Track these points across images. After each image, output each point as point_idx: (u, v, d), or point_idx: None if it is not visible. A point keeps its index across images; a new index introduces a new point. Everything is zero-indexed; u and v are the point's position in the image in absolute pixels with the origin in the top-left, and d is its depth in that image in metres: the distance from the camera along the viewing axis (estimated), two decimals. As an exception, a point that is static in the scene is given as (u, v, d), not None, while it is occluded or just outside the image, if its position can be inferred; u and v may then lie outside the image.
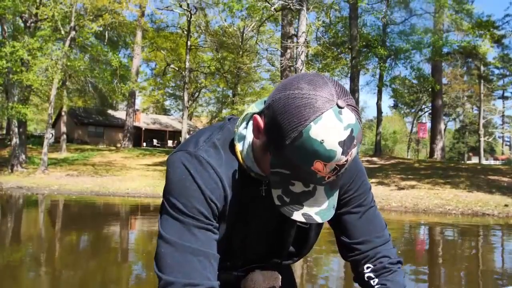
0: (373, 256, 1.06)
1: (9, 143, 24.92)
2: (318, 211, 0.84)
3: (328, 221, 1.05)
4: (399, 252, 7.57)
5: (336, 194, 0.87)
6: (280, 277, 1.11)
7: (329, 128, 0.76)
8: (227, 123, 1.02)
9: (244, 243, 1.04)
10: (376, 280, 1.04)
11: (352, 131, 0.78)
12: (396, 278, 1.05)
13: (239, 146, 0.96)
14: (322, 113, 0.77)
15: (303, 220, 0.83)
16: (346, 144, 0.78)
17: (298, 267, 6.03)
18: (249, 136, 0.95)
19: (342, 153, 0.78)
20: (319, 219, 0.84)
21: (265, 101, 0.91)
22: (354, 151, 0.81)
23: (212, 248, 0.91)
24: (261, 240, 1.06)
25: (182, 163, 0.93)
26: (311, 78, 0.82)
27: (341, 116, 0.78)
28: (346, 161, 0.79)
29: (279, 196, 0.84)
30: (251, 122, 0.96)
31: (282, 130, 0.79)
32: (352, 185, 1.05)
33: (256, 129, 0.89)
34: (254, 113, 0.95)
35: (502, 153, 56.94)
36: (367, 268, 1.05)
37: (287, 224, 1.04)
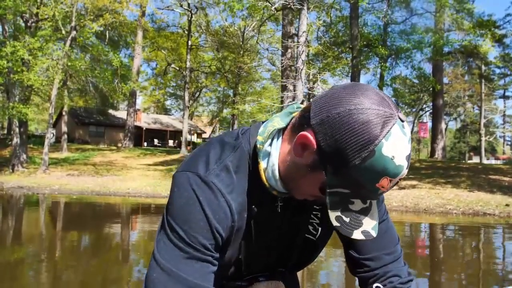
0: (383, 275, 1.01)
1: (10, 143, 24.94)
2: (373, 225, 0.81)
3: (339, 236, 1.04)
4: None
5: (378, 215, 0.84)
6: (284, 287, 1.08)
7: (398, 144, 0.74)
8: (240, 140, 0.94)
9: (252, 259, 1.00)
10: None
11: (410, 149, 0.78)
12: None
13: (263, 164, 0.90)
14: (390, 128, 0.74)
15: (363, 238, 0.80)
16: (409, 157, 0.77)
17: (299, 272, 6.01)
18: (274, 153, 0.89)
19: (407, 167, 0.77)
20: (374, 234, 0.81)
21: (298, 115, 0.86)
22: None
23: (208, 281, 0.86)
24: (269, 253, 1.03)
25: (191, 187, 0.86)
26: (364, 90, 0.78)
27: (404, 130, 0.76)
28: (404, 173, 0.78)
29: (337, 217, 0.79)
30: (276, 139, 0.91)
31: (348, 149, 0.74)
32: None
33: (302, 147, 0.82)
34: (282, 128, 0.91)
35: (503, 153, 56.91)
36: (376, 287, 1.01)
37: (298, 238, 1.02)
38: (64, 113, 29.46)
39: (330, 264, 6.55)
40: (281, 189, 0.90)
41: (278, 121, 0.92)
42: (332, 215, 0.79)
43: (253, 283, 1.05)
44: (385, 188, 0.77)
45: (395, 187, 15.63)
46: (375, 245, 1.02)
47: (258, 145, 0.90)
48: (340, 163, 0.76)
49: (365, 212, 0.80)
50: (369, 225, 0.80)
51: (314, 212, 1.01)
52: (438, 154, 27.20)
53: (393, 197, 13.89)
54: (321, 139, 0.78)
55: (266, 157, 0.90)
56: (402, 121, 0.76)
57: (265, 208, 0.94)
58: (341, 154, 0.75)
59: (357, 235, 0.79)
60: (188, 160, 0.93)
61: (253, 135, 0.93)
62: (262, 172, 0.90)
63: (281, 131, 0.91)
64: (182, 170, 0.90)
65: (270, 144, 0.91)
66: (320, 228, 1.02)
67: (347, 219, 0.79)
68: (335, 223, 0.79)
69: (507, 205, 12.49)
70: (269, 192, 0.92)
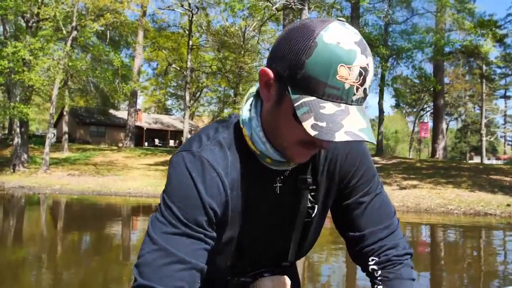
0: (378, 249, 1.00)
1: (11, 142, 24.96)
2: (361, 128, 0.76)
3: (334, 218, 1.06)
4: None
5: (369, 124, 0.79)
6: (290, 282, 1.07)
7: (340, 32, 0.76)
8: (233, 119, 0.96)
9: (253, 243, 0.99)
10: (379, 272, 0.99)
11: (361, 38, 0.78)
12: (399, 271, 0.98)
13: (246, 130, 0.91)
14: (328, 24, 0.77)
15: (348, 138, 0.74)
16: (362, 45, 0.77)
17: (299, 268, 6.01)
18: (255, 116, 0.90)
19: (362, 53, 0.76)
20: (364, 136, 0.75)
21: None
22: (371, 61, 0.78)
23: (199, 259, 0.86)
24: (269, 238, 1.01)
25: (184, 165, 0.88)
26: None
27: (346, 25, 0.78)
28: (368, 64, 0.77)
29: (313, 125, 0.75)
30: (254, 103, 0.92)
31: (294, 50, 0.77)
32: (356, 172, 1.00)
33: (266, 86, 0.84)
34: (253, 92, 0.94)
35: (504, 153, 56.86)
36: (372, 260, 1.00)
37: (297, 220, 1.00)
38: (65, 113, 29.47)
39: (330, 263, 6.55)
40: (272, 153, 0.89)
41: (252, 89, 0.95)
42: (307, 125, 0.76)
43: (257, 279, 1.04)
44: (349, 80, 0.75)
45: (395, 187, 15.62)
46: (371, 221, 1.00)
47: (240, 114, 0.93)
48: (292, 68, 0.77)
49: (342, 114, 0.76)
50: (353, 126, 0.75)
51: (311, 193, 1.00)
52: (439, 154, 27.18)
53: (394, 197, 13.88)
54: (274, 64, 0.82)
55: (248, 123, 0.91)
56: (342, 21, 0.80)
57: (264, 189, 0.94)
58: (290, 59, 0.78)
59: (340, 136, 0.74)
60: (185, 143, 0.95)
61: None
62: (247, 139, 0.91)
63: (259, 96, 0.92)
64: (178, 152, 0.92)
65: (250, 110, 0.92)
66: (316, 208, 1.02)
67: (323, 124, 0.75)
68: (312, 133, 0.75)
69: (508, 205, 12.47)
70: (266, 172, 0.92)
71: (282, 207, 0.97)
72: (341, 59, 0.74)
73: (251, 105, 0.93)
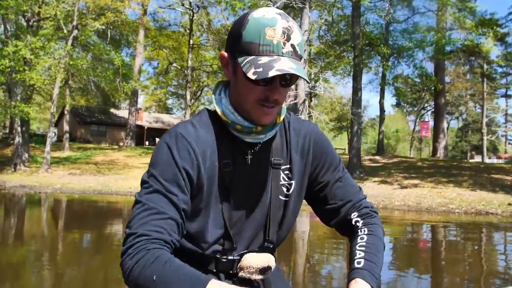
0: (359, 207, 1.21)
1: (12, 142, 24.98)
2: (290, 67, 0.98)
3: (311, 196, 1.24)
4: (402, 251, 7.55)
5: (301, 69, 1.01)
6: (274, 259, 1.17)
7: (266, 9, 1.04)
8: (202, 109, 1.18)
9: (236, 218, 1.13)
10: (362, 222, 1.20)
11: (284, 13, 1.04)
12: (375, 220, 1.22)
13: (218, 109, 1.12)
14: (258, 9, 1.05)
15: (278, 73, 0.96)
16: (283, 15, 1.03)
17: (300, 268, 6.02)
18: (224, 96, 1.13)
19: (283, 18, 1.02)
20: (293, 70, 0.97)
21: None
22: (294, 24, 1.03)
23: (175, 213, 1.01)
24: (251, 214, 1.15)
25: (164, 141, 1.08)
26: None
27: (275, 9, 1.05)
28: (290, 26, 1.02)
29: (253, 72, 0.99)
30: (225, 88, 1.16)
31: (235, 29, 1.05)
32: (327, 154, 1.22)
33: (225, 64, 1.11)
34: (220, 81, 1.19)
35: (505, 152, 56.78)
36: (354, 215, 1.20)
37: (273, 196, 1.15)
38: (66, 112, 29.47)
39: (330, 264, 6.55)
40: (240, 120, 1.09)
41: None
42: (250, 74, 0.99)
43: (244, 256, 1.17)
44: (275, 38, 1.00)
45: (396, 186, 15.61)
46: (347, 192, 1.22)
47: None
48: (235, 42, 1.05)
49: (274, 61, 0.99)
50: (284, 67, 0.98)
51: (285, 172, 1.17)
52: (440, 153, 27.16)
53: (396, 196, 13.88)
54: (226, 47, 1.11)
55: (220, 102, 1.13)
56: None
57: (236, 160, 1.12)
58: (233, 37, 1.06)
59: (272, 73, 0.97)
60: None
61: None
62: (220, 114, 1.11)
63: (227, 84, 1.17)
64: None
65: (220, 94, 1.15)
66: (292, 186, 1.19)
67: (260, 69, 0.98)
68: (253, 77, 0.98)
69: (509, 204, 12.47)
70: (238, 145, 1.11)
71: (257, 183, 1.14)
72: (266, 24, 1.01)
73: (220, 90, 1.16)
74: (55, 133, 29.96)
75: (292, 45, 1.02)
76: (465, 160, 37.64)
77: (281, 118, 1.15)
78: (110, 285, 5.25)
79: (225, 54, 1.10)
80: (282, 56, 1.01)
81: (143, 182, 1.05)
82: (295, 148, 1.18)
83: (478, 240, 8.87)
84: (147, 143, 39.13)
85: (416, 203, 13.21)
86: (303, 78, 1.00)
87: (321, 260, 6.72)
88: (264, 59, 0.99)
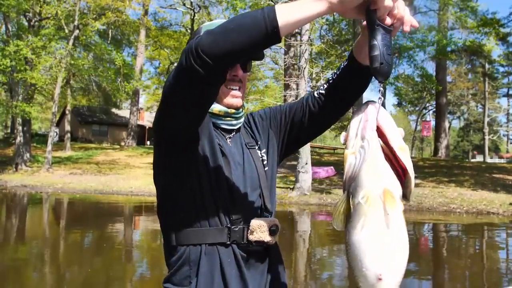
0: (322, 85, 1.40)
1: (13, 141, 25.01)
2: None
3: (305, 136, 1.44)
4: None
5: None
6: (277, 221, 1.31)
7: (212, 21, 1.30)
8: None
9: (237, 187, 1.27)
10: (325, 85, 1.37)
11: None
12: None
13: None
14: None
15: None
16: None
17: (301, 267, 6.02)
18: None
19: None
20: None
21: None
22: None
23: None
24: (248, 184, 1.30)
25: None
26: None
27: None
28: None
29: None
30: None
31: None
32: (272, 120, 1.44)
33: None
34: None
35: (507, 151, 56.69)
36: (322, 88, 1.37)
37: (258, 168, 1.34)
38: (67, 112, 29.52)
39: (331, 264, 6.55)
40: (220, 106, 1.31)
41: None
42: None
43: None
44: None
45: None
46: (294, 104, 1.43)
47: None
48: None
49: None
50: None
51: (262, 151, 1.38)
52: (442, 153, 27.12)
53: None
54: None
55: None
56: None
57: (221, 140, 1.30)
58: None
59: None
60: None
61: None
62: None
63: None
64: None
65: None
66: (266, 160, 1.39)
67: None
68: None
69: (511, 204, 12.44)
70: (221, 132, 1.32)
71: (244, 160, 1.33)
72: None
73: None
74: (56, 133, 29.99)
75: None
76: (467, 160, 37.59)
77: (246, 109, 1.41)
78: (112, 284, 5.25)
79: None
80: None
81: None
82: (256, 129, 1.43)
83: (480, 240, 8.85)
84: (148, 143, 39.14)
85: (417, 203, 13.19)
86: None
87: (322, 258, 6.72)
88: None
